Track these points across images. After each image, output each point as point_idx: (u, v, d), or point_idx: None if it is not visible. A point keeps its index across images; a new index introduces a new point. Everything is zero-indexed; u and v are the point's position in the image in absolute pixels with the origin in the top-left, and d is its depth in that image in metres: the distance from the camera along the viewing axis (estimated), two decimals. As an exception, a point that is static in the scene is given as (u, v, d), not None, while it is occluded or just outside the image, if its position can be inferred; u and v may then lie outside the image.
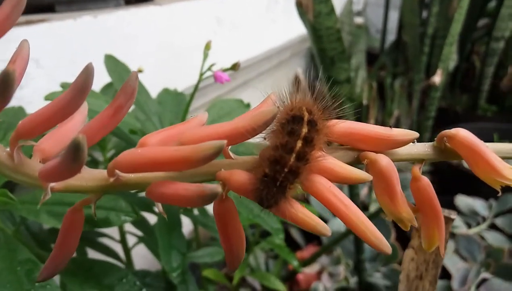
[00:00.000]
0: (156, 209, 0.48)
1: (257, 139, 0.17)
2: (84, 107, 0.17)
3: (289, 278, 0.77)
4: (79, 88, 0.13)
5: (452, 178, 0.97)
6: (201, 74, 0.46)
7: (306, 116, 0.15)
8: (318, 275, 0.77)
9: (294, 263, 0.60)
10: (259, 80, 1.09)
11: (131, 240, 0.53)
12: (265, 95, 0.17)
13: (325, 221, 0.87)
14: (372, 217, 0.62)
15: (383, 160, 0.17)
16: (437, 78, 0.76)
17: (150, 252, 0.48)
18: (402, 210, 0.18)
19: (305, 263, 0.72)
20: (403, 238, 0.86)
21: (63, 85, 0.43)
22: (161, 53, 0.65)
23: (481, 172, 0.19)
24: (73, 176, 0.13)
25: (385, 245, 0.15)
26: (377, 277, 0.76)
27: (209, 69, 0.45)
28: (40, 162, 0.15)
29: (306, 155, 0.15)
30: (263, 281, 0.62)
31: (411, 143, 0.18)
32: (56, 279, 0.33)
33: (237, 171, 0.15)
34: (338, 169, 0.16)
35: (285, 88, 0.16)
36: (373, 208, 0.85)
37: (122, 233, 0.52)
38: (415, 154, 0.18)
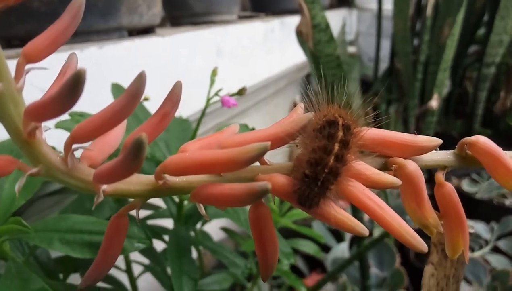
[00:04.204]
0: (165, 237, 0.47)
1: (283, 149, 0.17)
2: (123, 121, 0.18)
3: (295, 306, 0.76)
4: (133, 94, 0.13)
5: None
6: (208, 100, 0.47)
7: (341, 121, 0.16)
8: (325, 302, 0.76)
9: (302, 290, 0.59)
10: (256, 109, 1.10)
11: (136, 269, 0.52)
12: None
13: (328, 247, 0.86)
14: (377, 242, 0.62)
15: (412, 165, 0.17)
16: (434, 103, 0.78)
17: (157, 281, 0.47)
18: (429, 215, 0.18)
19: (310, 291, 0.71)
20: (407, 263, 0.85)
21: (71, 114, 0.43)
22: (165, 82, 0.66)
23: (501, 177, 0.20)
24: (130, 176, 0.14)
25: (422, 245, 0.16)
26: (384, 303, 0.75)
27: (216, 94, 0.46)
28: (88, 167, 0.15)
29: (344, 157, 0.16)
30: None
31: (434, 150, 0.19)
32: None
33: (277, 174, 0.15)
34: (370, 173, 0.16)
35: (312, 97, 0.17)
36: (376, 232, 0.85)
37: (128, 262, 0.52)
38: (438, 160, 0.19)
